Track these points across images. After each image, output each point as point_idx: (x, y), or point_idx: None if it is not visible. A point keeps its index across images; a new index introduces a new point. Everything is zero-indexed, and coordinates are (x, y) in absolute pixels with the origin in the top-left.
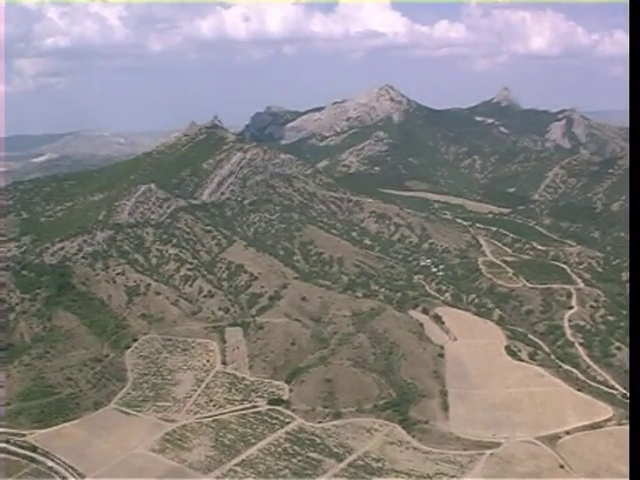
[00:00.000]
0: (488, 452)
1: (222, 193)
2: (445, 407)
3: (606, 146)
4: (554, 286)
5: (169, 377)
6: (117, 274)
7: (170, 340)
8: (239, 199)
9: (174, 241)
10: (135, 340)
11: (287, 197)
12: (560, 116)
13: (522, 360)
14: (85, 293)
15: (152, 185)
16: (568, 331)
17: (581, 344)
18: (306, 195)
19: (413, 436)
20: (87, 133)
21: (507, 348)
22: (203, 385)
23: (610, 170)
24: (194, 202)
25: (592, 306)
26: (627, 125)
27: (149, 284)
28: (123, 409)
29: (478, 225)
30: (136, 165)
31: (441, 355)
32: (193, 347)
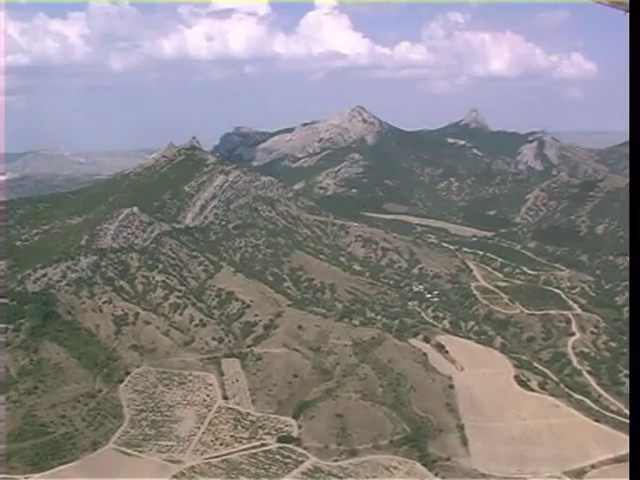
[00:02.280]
0: None
1: (205, 217)
2: (464, 442)
3: (578, 168)
4: (552, 312)
5: (169, 413)
6: (104, 302)
7: (165, 373)
8: (223, 223)
9: (160, 267)
10: (128, 373)
11: (271, 221)
12: (531, 138)
13: (533, 390)
14: (71, 323)
15: (135, 208)
16: (574, 359)
17: (589, 372)
18: (290, 219)
19: (436, 474)
20: (46, 152)
21: (516, 378)
22: (206, 422)
23: (591, 193)
24: (177, 226)
25: (593, 332)
26: (595, 147)
27: (137, 313)
28: (123, 449)
29: (465, 249)
30: (113, 187)
31: (451, 386)
32: (190, 380)
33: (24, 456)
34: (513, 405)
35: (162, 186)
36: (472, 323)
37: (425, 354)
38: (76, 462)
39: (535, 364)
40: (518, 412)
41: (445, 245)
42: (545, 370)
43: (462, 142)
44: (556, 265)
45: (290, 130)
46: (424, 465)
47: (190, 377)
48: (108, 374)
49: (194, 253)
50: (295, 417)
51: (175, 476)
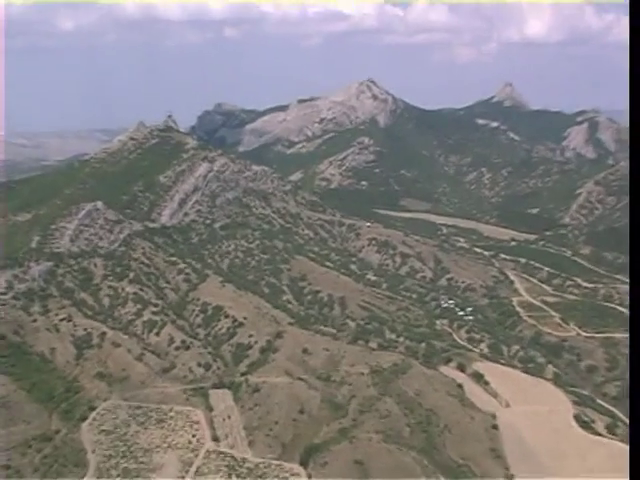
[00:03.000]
0: None
1: (186, 214)
2: None
3: None
4: (616, 335)
5: (145, 459)
6: (61, 320)
7: (140, 408)
8: (208, 222)
9: (131, 276)
10: (93, 409)
11: (266, 220)
12: (580, 118)
13: (599, 434)
14: (20, 346)
15: (99, 203)
16: None
17: None
18: (288, 217)
19: None
20: None
21: (577, 418)
22: (192, 470)
23: None
24: (152, 225)
25: None
26: None
27: (104, 333)
28: None
29: (503, 256)
30: (70, 176)
31: (494, 427)
32: (171, 417)
33: None
34: (575, 453)
35: (131, 176)
36: (516, 347)
37: (460, 385)
38: None
39: (599, 401)
40: (582, 462)
41: (478, 250)
42: (612, 409)
43: (495, 124)
44: (617, 276)
45: (283, 108)
46: None
47: (171, 413)
48: (67, 410)
49: (173, 259)
50: (303, 464)
51: None
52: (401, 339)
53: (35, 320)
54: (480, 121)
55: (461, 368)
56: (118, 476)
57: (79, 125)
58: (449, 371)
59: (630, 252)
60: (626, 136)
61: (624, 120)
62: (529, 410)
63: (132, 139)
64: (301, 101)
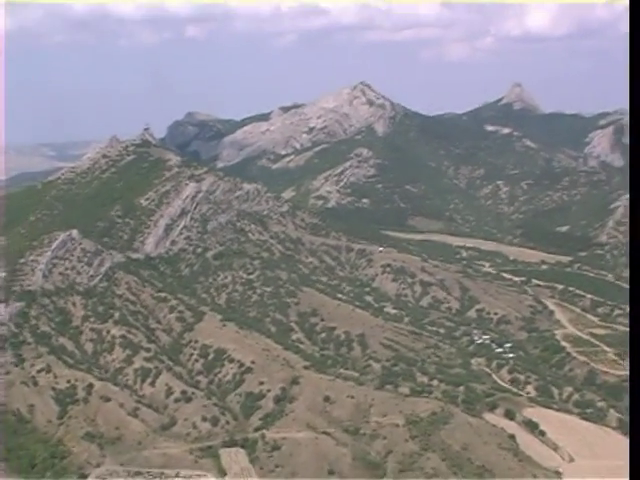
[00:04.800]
0: None
1: (173, 242)
2: None
3: None
4: None
5: None
6: (39, 371)
7: (139, 474)
8: (199, 250)
9: (116, 316)
10: (84, 477)
11: (264, 246)
12: (603, 122)
13: None
14: None
15: (74, 232)
16: None
17: None
18: (288, 243)
19: None
20: None
21: None
22: None
23: None
24: (135, 256)
25: None
26: None
27: (90, 384)
28: None
29: (535, 281)
30: (35, 200)
31: None
32: None
33: None
34: None
35: (106, 199)
36: (569, 389)
37: (512, 436)
38: None
39: None
40: None
41: (507, 276)
42: None
43: (506, 130)
44: None
45: (265, 117)
46: None
47: (178, 479)
48: None
49: (162, 294)
50: None
51: None
52: (435, 382)
53: (8, 372)
54: (489, 127)
55: (510, 416)
56: None
57: (21, 139)
58: (496, 419)
59: (630, 252)
60: None
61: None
62: (597, 465)
63: (104, 156)
64: (284, 109)
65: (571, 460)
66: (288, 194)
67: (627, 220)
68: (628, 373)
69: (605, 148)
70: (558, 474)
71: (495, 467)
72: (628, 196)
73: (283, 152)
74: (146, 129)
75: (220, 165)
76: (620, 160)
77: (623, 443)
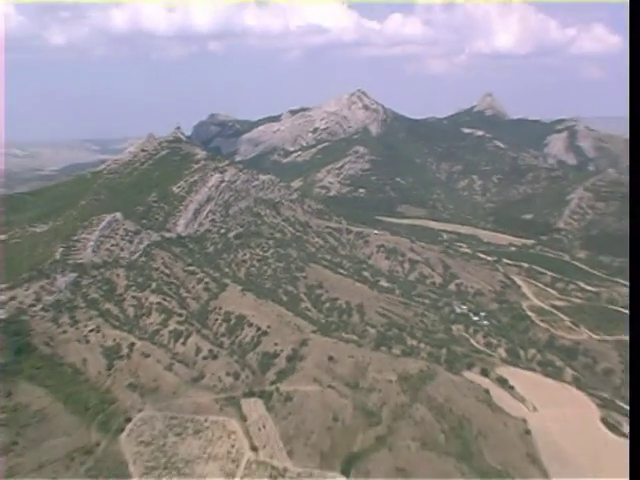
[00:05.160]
0: None
1: (201, 224)
2: None
3: (619, 162)
4: (626, 338)
5: (187, 471)
6: (90, 331)
7: (175, 419)
8: (222, 231)
9: (153, 286)
10: (129, 420)
11: (277, 228)
12: (559, 127)
13: (626, 436)
14: (51, 357)
15: (118, 214)
16: None
17: None
18: (297, 226)
19: None
20: None
21: (604, 421)
22: None
23: None
24: (168, 235)
25: None
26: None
27: (132, 343)
28: None
29: (505, 260)
30: (83, 187)
31: (527, 432)
32: (207, 427)
33: None
34: (607, 455)
35: (145, 186)
36: (533, 351)
37: (487, 391)
38: None
39: (620, 403)
40: (615, 464)
41: (481, 256)
42: None
43: (480, 132)
44: (617, 280)
45: (276, 118)
46: None
47: (207, 423)
48: (104, 422)
49: (191, 268)
50: (345, 473)
51: None
52: (422, 345)
53: (65, 331)
54: (466, 130)
55: (485, 373)
56: None
57: (69, 135)
58: (473, 376)
59: (630, 252)
60: (604, 144)
61: (601, 127)
62: (557, 414)
63: (143, 150)
64: (293, 111)
65: (535, 410)
66: (296, 184)
67: (581, 210)
68: (628, 373)
69: (561, 149)
70: (524, 421)
71: (473, 416)
72: (582, 192)
73: (292, 148)
74: (177, 128)
75: (238, 159)
76: (573, 159)
77: (578, 395)
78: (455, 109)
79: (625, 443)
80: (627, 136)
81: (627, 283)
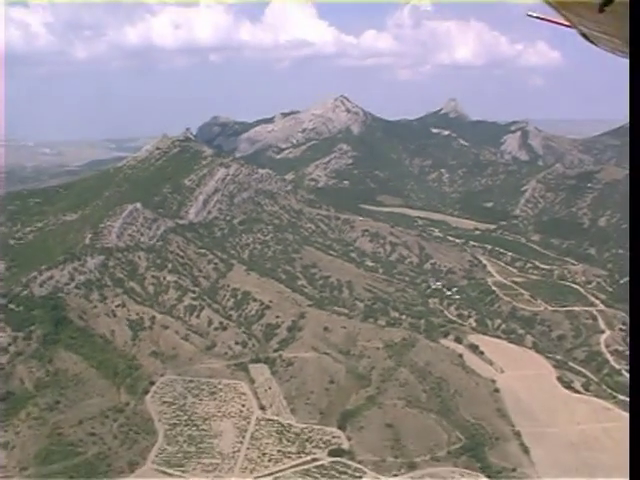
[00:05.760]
0: None
1: (209, 212)
2: (525, 450)
3: (564, 158)
4: (576, 308)
5: (205, 427)
6: (117, 306)
7: (192, 382)
8: (228, 218)
9: (169, 266)
10: (152, 383)
11: (275, 215)
12: (513, 128)
13: (579, 392)
14: (85, 329)
15: (138, 204)
16: (609, 357)
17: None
18: (292, 213)
19: None
20: (10, 143)
21: (559, 379)
22: (247, 435)
23: (589, 184)
24: (181, 222)
25: (622, 329)
26: (574, 136)
27: (153, 316)
28: (164, 469)
29: (472, 243)
30: (107, 181)
31: (496, 390)
32: (221, 389)
33: None
34: (564, 408)
35: (160, 180)
36: (498, 321)
37: (461, 355)
38: None
39: (571, 364)
40: (571, 416)
41: (451, 239)
42: (583, 370)
43: (446, 132)
44: (567, 259)
45: (270, 120)
46: (488, 477)
47: (220, 386)
48: (131, 385)
49: (202, 251)
50: (341, 428)
51: None
52: (403, 317)
53: (95, 306)
54: (434, 130)
55: (458, 340)
56: (185, 442)
57: (90, 135)
58: (448, 343)
59: (630, 252)
60: (551, 142)
61: (545, 128)
62: (520, 374)
63: (157, 148)
64: (284, 114)
65: (502, 371)
66: (289, 177)
67: (534, 199)
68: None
69: (515, 147)
70: (493, 381)
71: (449, 377)
72: (535, 183)
73: (284, 146)
74: (187, 129)
75: (238, 155)
76: (525, 156)
77: (537, 358)
78: (423, 112)
79: (578, 398)
80: (570, 136)
81: (575, 262)
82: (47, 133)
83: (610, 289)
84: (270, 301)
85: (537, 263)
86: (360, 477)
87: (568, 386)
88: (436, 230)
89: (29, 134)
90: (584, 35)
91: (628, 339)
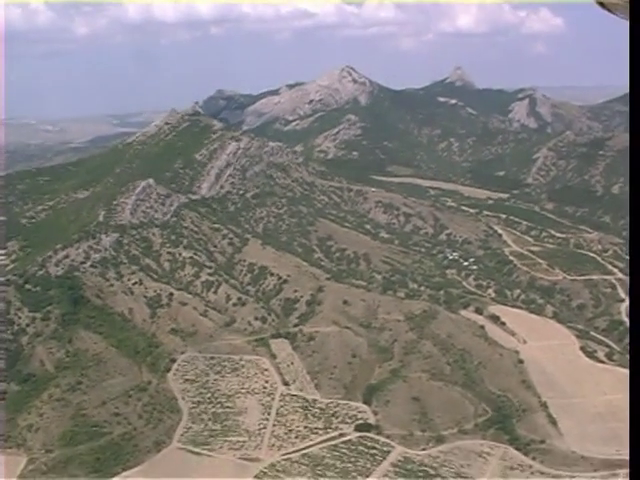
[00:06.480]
0: (622, 472)
1: (222, 186)
2: (552, 421)
3: (572, 125)
4: (594, 277)
5: (230, 404)
6: (134, 283)
7: (213, 359)
8: (241, 192)
9: (184, 242)
10: (173, 361)
11: (288, 188)
12: (521, 95)
13: (602, 362)
14: (102, 308)
15: (150, 180)
16: None
17: None
18: (305, 186)
19: (533, 458)
20: (12, 121)
21: (583, 349)
22: (273, 412)
23: (601, 152)
24: (194, 197)
25: None
26: (580, 103)
27: (171, 293)
28: (190, 448)
29: (486, 212)
30: (117, 157)
31: (520, 361)
32: (243, 366)
33: (83, 462)
34: (589, 379)
35: (171, 155)
36: (518, 291)
37: (482, 327)
38: (142, 465)
39: (593, 333)
40: (596, 386)
41: (465, 209)
42: (605, 340)
43: (453, 101)
44: (582, 227)
45: (275, 92)
46: (517, 449)
47: (242, 362)
48: (153, 363)
49: (216, 226)
50: (367, 402)
51: (257, 476)
52: (422, 288)
53: (112, 285)
54: (441, 99)
55: (479, 311)
56: (210, 420)
57: (92, 111)
58: (469, 315)
59: (630, 251)
60: (558, 110)
61: (553, 96)
62: (543, 345)
63: (167, 123)
64: (289, 86)
65: (524, 342)
66: (298, 149)
67: (546, 167)
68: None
69: (523, 115)
70: (516, 352)
71: (472, 349)
72: (546, 151)
73: (291, 118)
74: (196, 103)
75: (245, 128)
76: (534, 123)
77: (559, 328)
78: (429, 81)
79: (603, 368)
80: (576, 103)
81: (590, 230)
82: (48, 110)
83: (627, 257)
84: (288, 275)
85: (552, 232)
86: (388, 452)
87: (592, 356)
88: (449, 200)
89: (30, 112)
90: (601, 3)
91: (629, 339)
